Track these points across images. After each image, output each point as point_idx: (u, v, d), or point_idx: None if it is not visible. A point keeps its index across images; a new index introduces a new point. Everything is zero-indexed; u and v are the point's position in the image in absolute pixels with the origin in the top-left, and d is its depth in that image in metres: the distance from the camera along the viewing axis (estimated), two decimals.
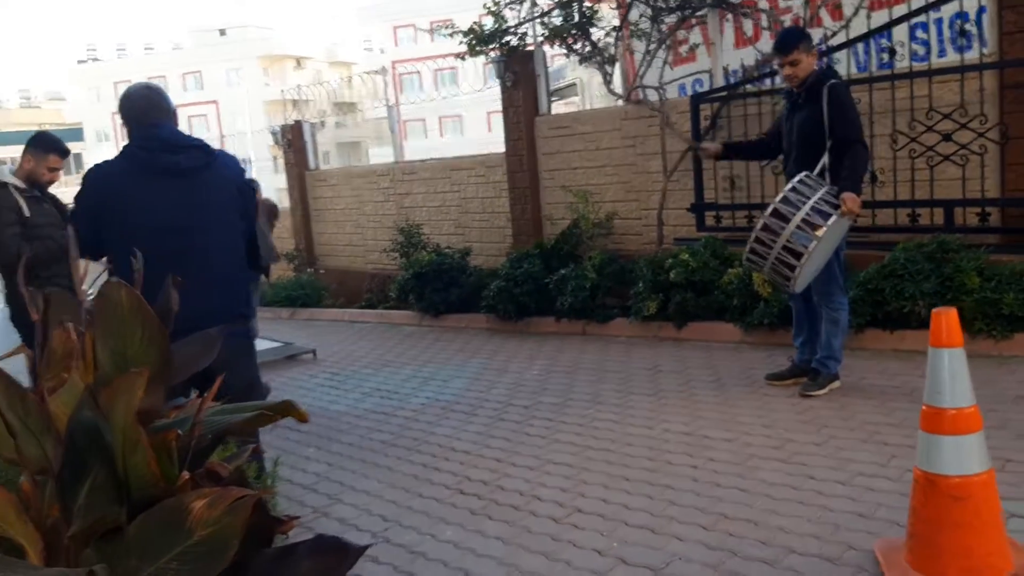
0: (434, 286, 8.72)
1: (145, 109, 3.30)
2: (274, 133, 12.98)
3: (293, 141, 12.50)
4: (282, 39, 59.94)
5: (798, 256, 4.47)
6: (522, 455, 4.51)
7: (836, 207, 4.47)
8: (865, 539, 3.13)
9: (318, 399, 6.30)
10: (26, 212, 4.80)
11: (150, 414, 1.89)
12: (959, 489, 2.67)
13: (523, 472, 4.26)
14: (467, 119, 44.39)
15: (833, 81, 4.69)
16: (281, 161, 13.11)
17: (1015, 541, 2.91)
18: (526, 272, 7.89)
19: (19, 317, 4.84)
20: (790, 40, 4.88)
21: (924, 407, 2.75)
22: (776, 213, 4.53)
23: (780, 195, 4.58)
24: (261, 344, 8.20)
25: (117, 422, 1.78)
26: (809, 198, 4.48)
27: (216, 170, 3.40)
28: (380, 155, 32.15)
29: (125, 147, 3.32)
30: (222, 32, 59.67)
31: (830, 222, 4.43)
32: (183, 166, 3.29)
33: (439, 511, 3.87)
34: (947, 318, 2.70)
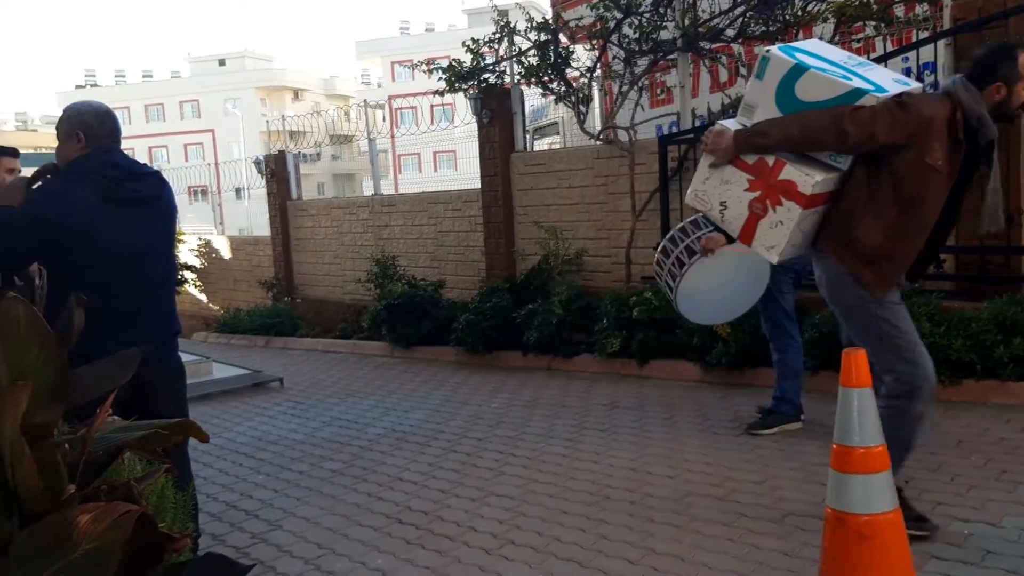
0: (406, 318, 8.77)
1: (104, 133, 3.25)
2: (257, 163, 13.09)
3: (276, 171, 12.61)
4: (281, 70, 60.55)
5: (674, 280, 4.86)
6: (466, 487, 4.54)
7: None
8: None
9: (278, 427, 6.32)
10: None
11: (44, 430, 1.93)
12: (866, 528, 2.71)
13: (464, 503, 4.28)
14: (460, 154, 44.76)
15: None
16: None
17: None
18: (495, 306, 7.96)
19: None
20: None
21: (834, 445, 2.80)
22: (664, 250, 4.94)
23: (670, 233, 4.98)
24: (228, 371, 8.25)
25: (4, 435, 1.82)
26: (693, 235, 4.81)
27: (167, 198, 3.46)
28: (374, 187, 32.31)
29: (81, 170, 3.19)
30: (221, 62, 60.24)
31: (693, 260, 4.74)
32: (143, 195, 3.32)
33: (374, 540, 3.89)
34: (856, 358, 2.76)
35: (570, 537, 3.72)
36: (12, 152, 5.18)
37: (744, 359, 6.20)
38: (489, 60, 8.99)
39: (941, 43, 5.97)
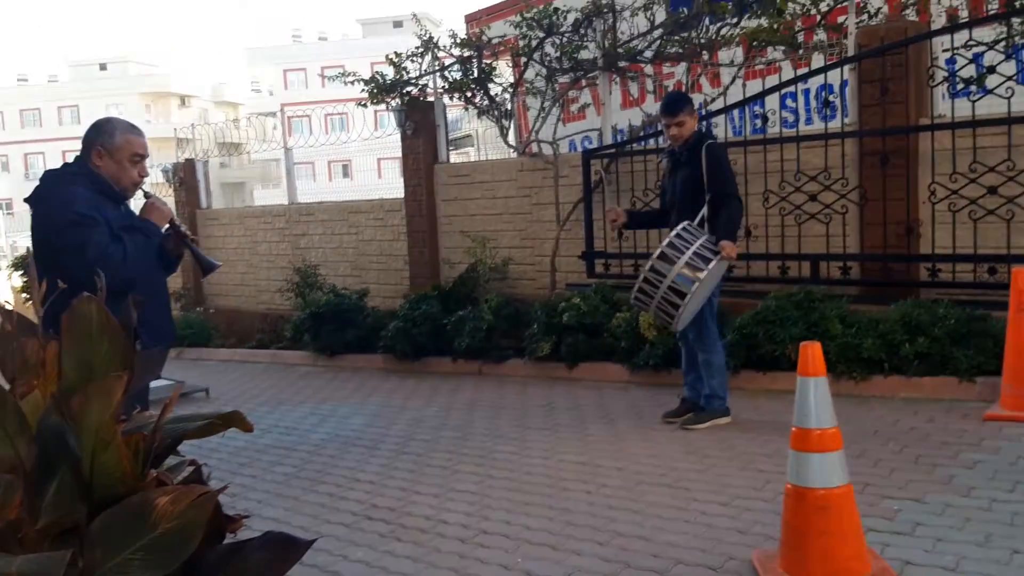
0: (331, 326, 8.82)
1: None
2: (165, 171, 12.85)
3: (185, 179, 12.42)
4: (166, 76, 58.72)
5: (682, 296, 4.92)
6: (426, 484, 4.71)
7: (716, 253, 4.96)
8: (744, 550, 3.48)
9: (215, 436, 6.29)
10: None
11: (115, 419, 2.05)
12: (823, 500, 3.05)
13: (428, 499, 4.45)
14: (356, 164, 44.34)
15: (710, 141, 5.23)
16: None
17: (873, 550, 3.32)
18: (424, 313, 8.12)
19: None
20: (678, 104, 5.37)
21: (794, 429, 3.13)
22: (663, 256, 4.98)
23: (666, 240, 5.03)
24: (153, 383, 8.12)
25: (89, 424, 1.94)
26: (691, 244, 4.95)
27: (35, 200, 3.54)
28: (266, 197, 31.62)
29: None
30: (103, 67, 58.11)
31: (710, 266, 4.92)
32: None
33: (348, 535, 4.03)
34: (812, 351, 3.11)
35: (538, 525, 3.95)
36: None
37: (669, 360, 6.58)
38: (412, 73, 9.18)
39: (846, 67, 6.52)
